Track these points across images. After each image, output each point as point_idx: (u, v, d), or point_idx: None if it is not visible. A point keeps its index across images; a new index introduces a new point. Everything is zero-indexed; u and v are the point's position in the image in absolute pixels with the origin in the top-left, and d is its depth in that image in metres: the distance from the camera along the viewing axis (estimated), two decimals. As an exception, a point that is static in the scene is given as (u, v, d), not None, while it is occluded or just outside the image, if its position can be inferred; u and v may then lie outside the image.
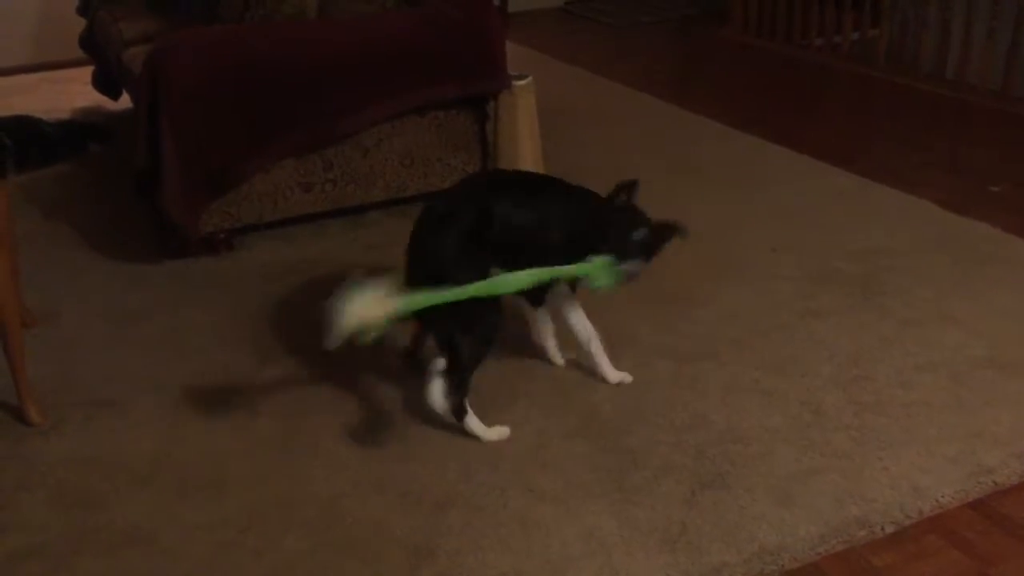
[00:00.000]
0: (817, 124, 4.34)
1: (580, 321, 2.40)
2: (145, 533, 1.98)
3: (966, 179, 3.59)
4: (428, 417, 2.31)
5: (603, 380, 2.41)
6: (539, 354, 2.51)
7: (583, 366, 2.47)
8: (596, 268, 2.12)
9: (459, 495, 2.05)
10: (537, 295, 2.39)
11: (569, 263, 2.13)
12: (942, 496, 1.99)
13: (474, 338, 2.20)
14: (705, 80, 5.22)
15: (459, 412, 2.22)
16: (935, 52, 4.70)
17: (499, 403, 2.35)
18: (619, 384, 2.40)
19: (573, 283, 2.36)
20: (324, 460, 2.18)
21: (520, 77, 3.24)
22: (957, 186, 3.51)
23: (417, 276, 2.19)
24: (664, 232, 2.26)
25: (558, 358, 2.50)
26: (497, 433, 2.24)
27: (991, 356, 2.45)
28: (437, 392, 2.22)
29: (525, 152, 3.27)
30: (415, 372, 2.38)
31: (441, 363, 2.22)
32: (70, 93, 4.89)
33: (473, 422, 2.22)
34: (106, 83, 4.49)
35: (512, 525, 1.96)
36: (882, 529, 1.92)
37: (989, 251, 3.00)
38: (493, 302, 2.15)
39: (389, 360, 2.54)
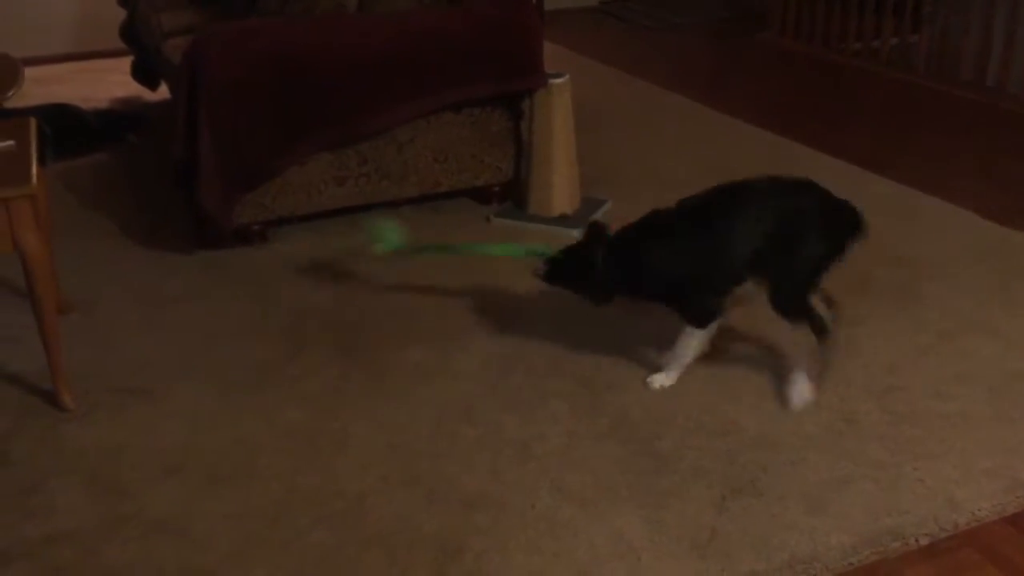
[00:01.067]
0: (855, 130, 4.29)
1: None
2: (174, 522, 1.99)
3: (1006, 188, 3.53)
4: (456, 415, 2.30)
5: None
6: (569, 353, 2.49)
7: (610, 370, 2.46)
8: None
9: (487, 494, 2.04)
10: None
11: None
12: (978, 510, 1.96)
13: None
14: (741, 83, 5.17)
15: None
16: (975, 59, 4.64)
17: (529, 402, 2.34)
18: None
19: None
20: (353, 454, 2.18)
21: (556, 75, 3.23)
22: (997, 195, 3.46)
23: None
24: None
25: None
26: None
27: (1030, 369, 2.41)
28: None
29: (559, 151, 3.26)
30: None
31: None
32: (109, 83, 4.94)
33: None
34: (145, 74, 4.53)
35: (540, 526, 1.95)
36: (916, 541, 1.89)
37: (1029, 262, 2.95)
38: None
39: (417, 355, 2.54)
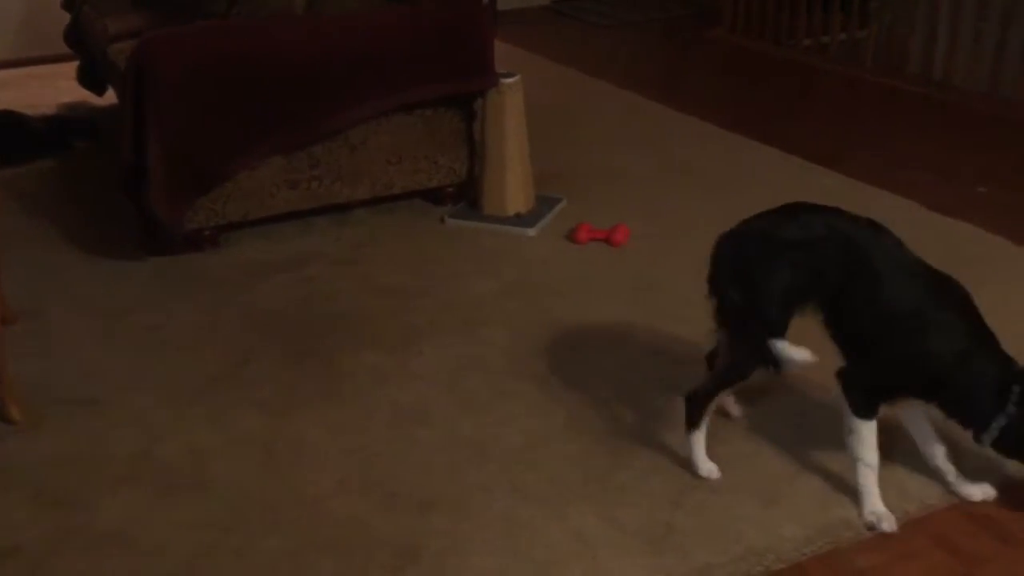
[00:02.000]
0: (805, 125, 4.34)
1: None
2: (126, 533, 1.96)
3: (953, 180, 3.60)
4: (413, 417, 2.30)
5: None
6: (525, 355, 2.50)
7: (567, 369, 2.47)
8: None
9: (445, 496, 2.04)
10: None
11: None
12: (928, 498, 1.99)
13: None
14: (694, 80, 5.21)
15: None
16: (922, 54, 4.71)
17: (486, 403, 2.34)
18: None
19: None
20: (309, 459, 2.16)
21: (508, 75, 3.23)
22: (944, 187, 3.52)
23: None
24: None
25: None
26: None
27: (977, 357, 2.45)
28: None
29: (512, 150, 3.26)
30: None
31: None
32: (55, 88, 4.84)
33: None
34: (91, 79, 4.45)
35: (497, 526, 1.95)
36: (867, 530, 1.92)
37: (975, 252, 3.01)
38: None
39: (372, 358, 2.53)
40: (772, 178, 3.62)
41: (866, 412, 1.93)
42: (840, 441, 2.15)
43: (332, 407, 2.34)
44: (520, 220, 3.27)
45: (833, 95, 4.84)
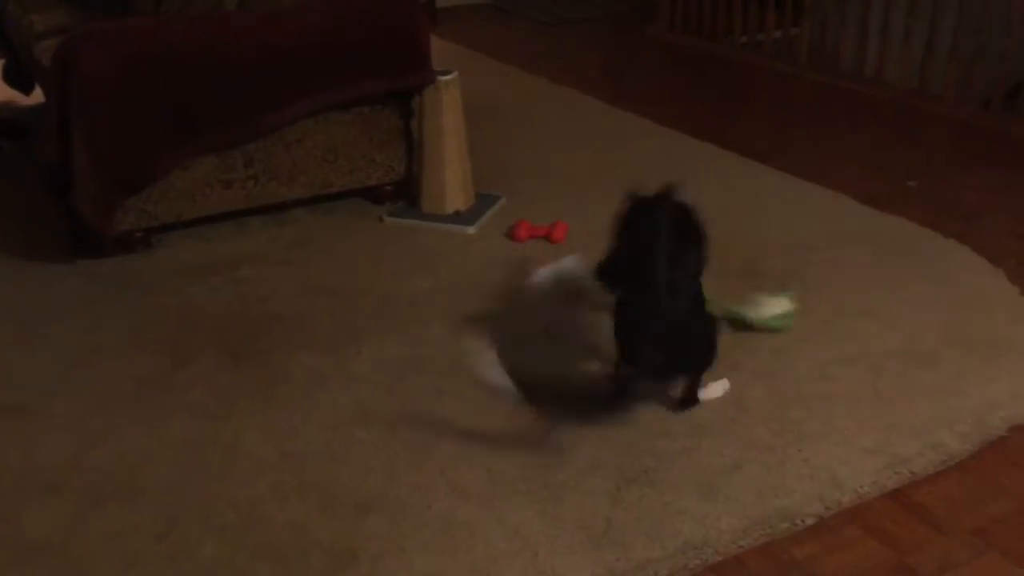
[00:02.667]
0: (741, 121, 4.39)
1: None
2: (55, 543, 1.90)
3: (884, 175, 3.67)
4: (351, 419, 2.27)
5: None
6: (465, 353, 2.49)
7: (506, 367, 2.45)
8: None
9: (382, 497, 2.02)
10: None
11: None
12: (861, 487, 2.02)
13: None
14: (632, 77, 5.25)
15: None
16: (854, 51, 4.80)
17: (426, 403, 2.32)
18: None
19: None
20: (243, 463, 2.13)
21: (445, 72, 3.21)
22: (876, 182, 3.59)
23: None
24: None
25: None
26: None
27: (906, 348, 2.50)
28: None
29: (450, 148, 3.25)
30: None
31: None
32: (-21, 87, 4.70)
33: None
34: (18, 77, 4.33)
35: (436, 526, 1.94)
36: (802, 521, 1.95)
37: (905, 245, 3.07)
38: None
39: (310, 360, 2.49)
40: (709, 174, 3.66)
41: None
42: (777, 431, 2.19)
43: (268, 410, 2.31)
44: (459, 218, 3.26)
45: (768, 92, 4.90)
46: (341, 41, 3.09)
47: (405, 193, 3.40)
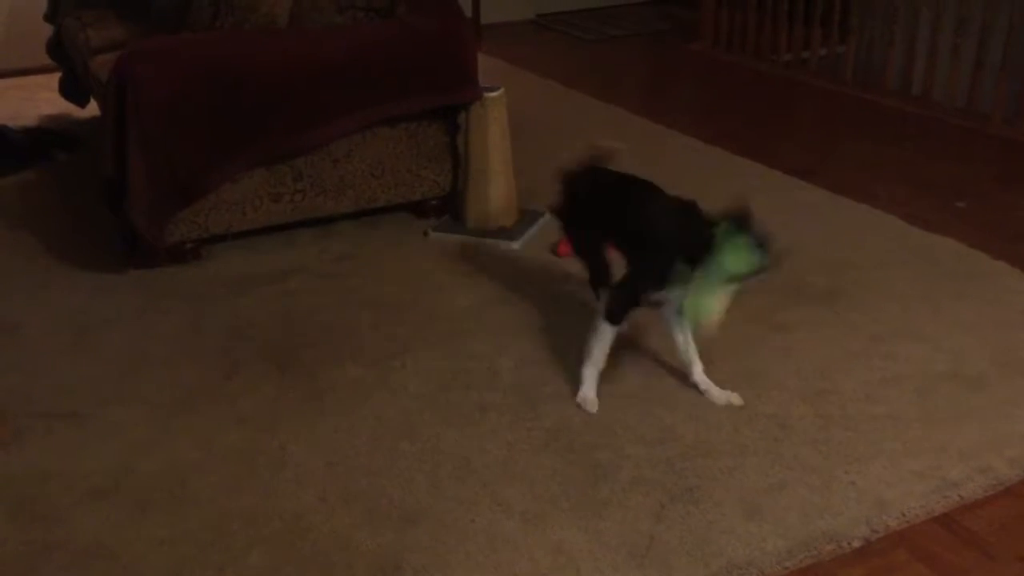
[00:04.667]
0: (786, 138, 4.37)
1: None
2: (105, 548, 1.94)
3: (932, 194, 3.63)
4: (396, 431, 2.29)
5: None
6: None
7: (550, 382, 2.47)
8: None
9: (427, 510, 2.03)
10: None
11: None
12: (908, 510, 2.00)
13: None
14: (675, 94, 5.25)
15: None
16: (901, 69, 4.76)
17: (469, 416, 2.34)
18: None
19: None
20: (290, 473, 2.15)
21: (491, 89, 3.24)
22: (923, 201, 3.56)
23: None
24: None
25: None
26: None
27: (955, 370, 2.47)
28: None
29: (496, 164, 3.27)
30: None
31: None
32: (37, 100, 4.83)
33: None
34: (73, 90, 4.44)
35: (479, 540, 1.95)
36: (849, 544, 1.93)
37: (953, 266, 3.04)
38: None
39: (355, 372, 2.52)
40: (753, 191, 3.64)
41: (617, 319, 2.34)
42: (824, 452, 2.17)
43: (314, 421, 2.34)
44: (504, 233, 3.28)
45: (813, 109, 4.88)
46: (390, 58, 3.13)
47: (450, 208, 3.43)
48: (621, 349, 2.60)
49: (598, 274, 2.52)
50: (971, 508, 2.03)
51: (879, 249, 3.16)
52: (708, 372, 2.45)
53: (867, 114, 4.66)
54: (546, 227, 3.36)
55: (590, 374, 2.38)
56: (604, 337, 2.35)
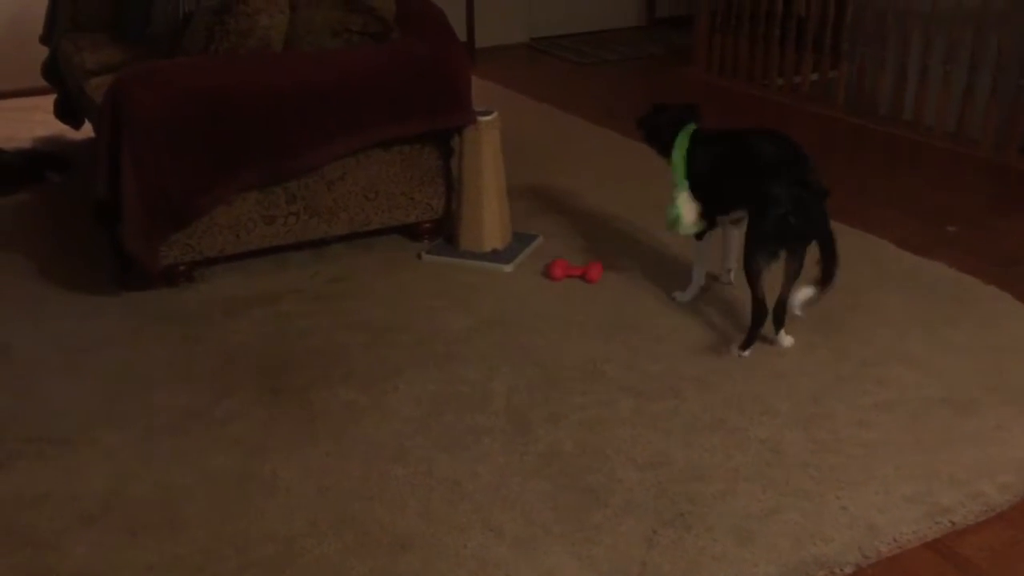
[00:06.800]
0: (778, 163, 4.38)
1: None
2: (95, 574, 1.93)
3: (923, 219, 3.65)
4: (388, 455, 2.29)
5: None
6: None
7: (542, 406, 2.47)
8: None
9: (418, 535, 2.03)
10: None
11: None
12: (900, 536, 2.00)
13: None
14: (669, 118, 5.26)
15: None
16: (892, 94, 4.80)
17: (461, 440, 2.33)
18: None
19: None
20: (282, 498, 2.15)
21: (485, 113, 3.25)
22: (914, 226, 3.57)
23: None
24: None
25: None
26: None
27: (947, 396, 2.48)
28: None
29: (489, 187, 3.28)
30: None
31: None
32: (31, 122, 4.83)
33: None
34: (68, 112, 4.44)
35: (471, 565, 1.94)
36: (840, 570, 1.93)
37: (945, 291, 3.05)
38: None
39: (348, 395, 2.52)
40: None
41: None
42: (816, 477, 2.17)
43: (306, 445, 2.33)
44: (497, 256, 3.29)
45: (805, 134, 4.87)
46: (384, 82, 3.15)
47: (443, 231, 3.44)
48: (613, 370, 2.61)
49: None
50: (963, 534, 2.03)
51: (871, 273, 3.17)
52: (703, 397, 2.45)
53: (858, 138, 4.69)
54: (539, 250, 3.37)
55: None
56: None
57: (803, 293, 2.58)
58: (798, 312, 2.61)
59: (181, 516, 2.09)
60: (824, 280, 2.57)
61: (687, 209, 2.81)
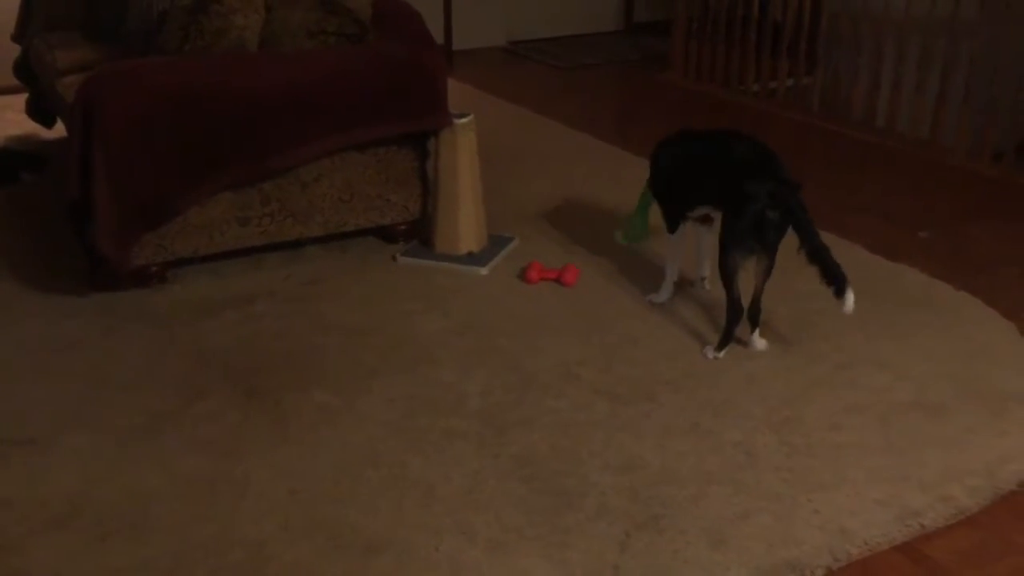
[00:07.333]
0: (753, 168, 4.41)
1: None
2: (62, 578, 1.91)
3: (895, 225, 3.68)
4: (361, 458, 2.27)
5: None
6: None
7: (516, 408, 2.47)
8: None
9: (391, 538, 2.02)
10: None
11: None
12: (871, 539, 2.02)
13: None
14: (645, 122, 5.28)
15: None
16: (866, 100, 4.84)
17: (435, 443, 2.33)
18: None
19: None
20: (253, 501, 2.13)
21: (461, 115, 3.25)
22: (887, 231, 3.60)
23: None
24: None
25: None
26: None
27: (918, 399, 2.50)
28: None
29: (465, 189, 3.28)
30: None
31: None
32: (3, 121, 4.78)
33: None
34: (40, 111, 4.40)
35: (443, 569, 1.93)
36: (812, 572, 1.94)
37: (916, 295, 3.08)
38: None
39: (321, 398, 2.50)
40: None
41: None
42: (787, 479, 2.18)
43: (278, 447, 2.31)
44: (472, 259, 3.28)
45: (781, 139, 4.92)
46: (360, 84, 3.14)
47: (419, 233, 3.43)
48: (588, 373, 2.61)
49: None
50: (932, 537, 2.05)
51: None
52: (677, 400, 2.46)
53: (833, 144, 4.73)
54: (514, 253, 3.36)
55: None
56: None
57: (847, 299, 2.54)
58: (849, 310, 2.54)
59: (151, 519, 2.07)
60: (830, 278, 2.55)
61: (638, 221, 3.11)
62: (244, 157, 3.01)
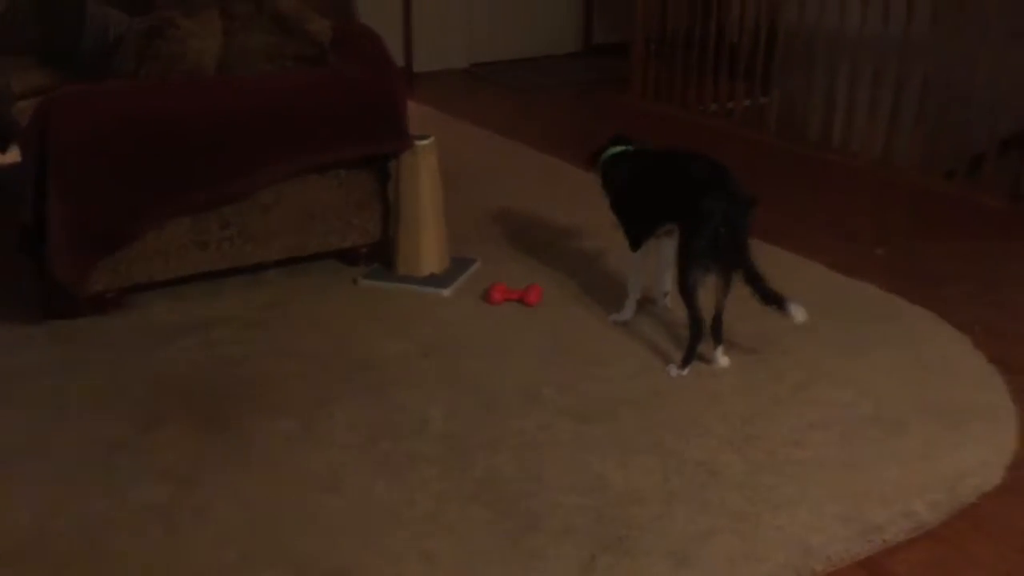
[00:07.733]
0: (713, 187, 4.45)
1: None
2: (14, 614, 1.86)
3: (852, 242, 3.73)
4: (323, 484, 2.25)
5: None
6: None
7: (480, 430, 2.45)
8: None
9: (354, 565, 1.99)
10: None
11: None
12: (834, 555, 2.03)
13: None
14: (605, 143, 5.31)
15: None
16: (822, 120, 4.92)
17: (398, 467, 2.31)
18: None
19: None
20: (212, 531, 2.09)
21: (422, 137, 3.25)
22: (843, 248, 3.65)
23: None
24: None
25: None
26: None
27: (877, 414, 2.53)
28: None
29: (426, 212, 3.27)
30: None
31: None
32: (-46, 145, 4.69)
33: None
34: (-7, 136, 4.32)
35: (407, 595, 1.91)
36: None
37: (875, 311, 3.12)
38: None
39: (282, 424, 2.47)
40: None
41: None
42: (750, 497, 2.19)
43: (238, 475, 2.28)
44: (434, 281, 3.27)
45: (738, 158, 4.96)
46: (319, 107, 3.12)
47: (380, 255, 3.41)
48: (552, 393, 2.60)
49: None
50: (894, 552, 2.06)
51: (803, 295, 3.18)
52: (641, 419, 2.47)
53: (790, 163, 4.79)
54: (477, 275, 3.36)
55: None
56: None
57: (796, 311, 2.62)
58: (801, 320, 2.62)
59: (107, 551, 2.03)
60: (769, 298, 2.62)
61: None
62: (202, 182, 2.98)
